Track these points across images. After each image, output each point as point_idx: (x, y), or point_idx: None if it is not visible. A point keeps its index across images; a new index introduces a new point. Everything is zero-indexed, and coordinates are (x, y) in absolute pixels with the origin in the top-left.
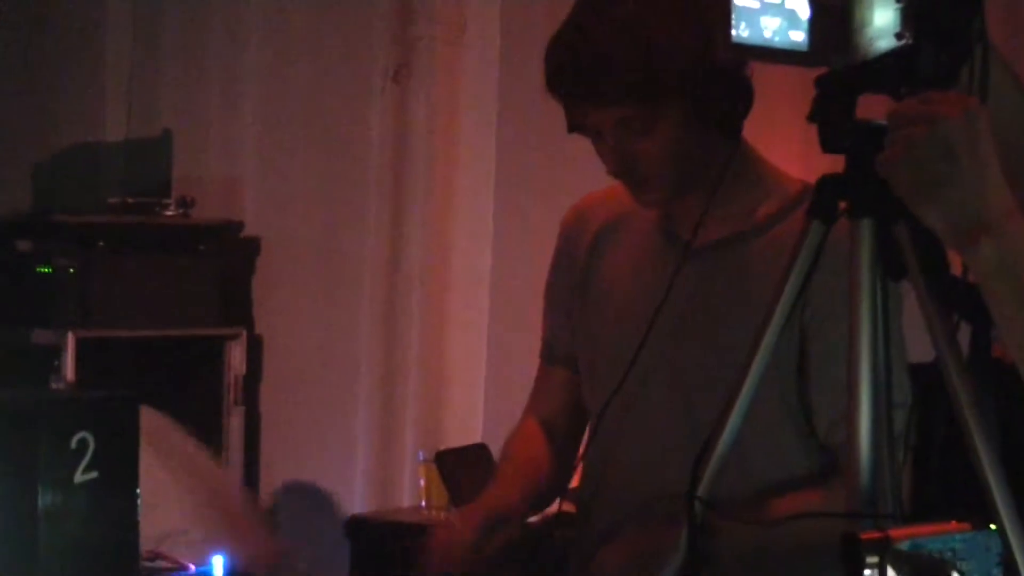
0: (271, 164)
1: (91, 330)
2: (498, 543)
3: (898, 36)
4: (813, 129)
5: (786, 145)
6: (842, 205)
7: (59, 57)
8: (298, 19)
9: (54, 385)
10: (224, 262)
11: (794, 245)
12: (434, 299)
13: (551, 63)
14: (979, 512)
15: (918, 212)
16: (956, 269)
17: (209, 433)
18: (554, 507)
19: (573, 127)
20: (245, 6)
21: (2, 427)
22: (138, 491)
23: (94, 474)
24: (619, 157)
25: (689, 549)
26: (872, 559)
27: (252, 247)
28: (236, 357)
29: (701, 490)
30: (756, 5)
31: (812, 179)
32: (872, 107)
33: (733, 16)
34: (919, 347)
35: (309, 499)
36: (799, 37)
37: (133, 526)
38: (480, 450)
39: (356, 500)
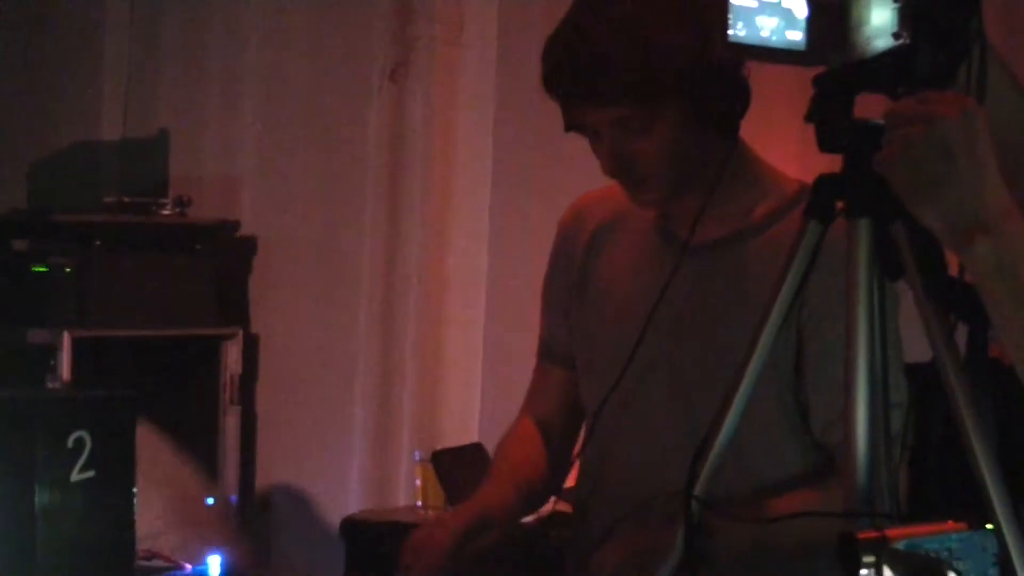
0: (268, 164)
1: (87, 329)
2: (481, 546)
3: (895, 36)
4: (810, 129)
5: (783, 145)
6: (839, 205)
7: (57, 57)
8: (296, 19)
9: (50, 384)
10: (221, 262)
11: (791, 245)
12: (431, 299)
13: (548, 62)
14: (976, 512)
15: (915, 212)
16: (953, 269)
17: (205, 432)
18: (549, 507)
19: (570, 126)
20: (244, 6)
21: None
22: (135, 490)
23: (91, 473)
24: (616, 157)
25: (686, 548)
26: (869, 558)
27: (249, 247)
28: (232, 356)
29: (698, 489)
30: (753, 4)
31: (809, 179)
32: (870, 107)
33: (730, 15)
34: (916, 347)
35: (305, 499)
36: (796, 36)
37: (129, 525)
38: (476, 450)
39: (352, 500)
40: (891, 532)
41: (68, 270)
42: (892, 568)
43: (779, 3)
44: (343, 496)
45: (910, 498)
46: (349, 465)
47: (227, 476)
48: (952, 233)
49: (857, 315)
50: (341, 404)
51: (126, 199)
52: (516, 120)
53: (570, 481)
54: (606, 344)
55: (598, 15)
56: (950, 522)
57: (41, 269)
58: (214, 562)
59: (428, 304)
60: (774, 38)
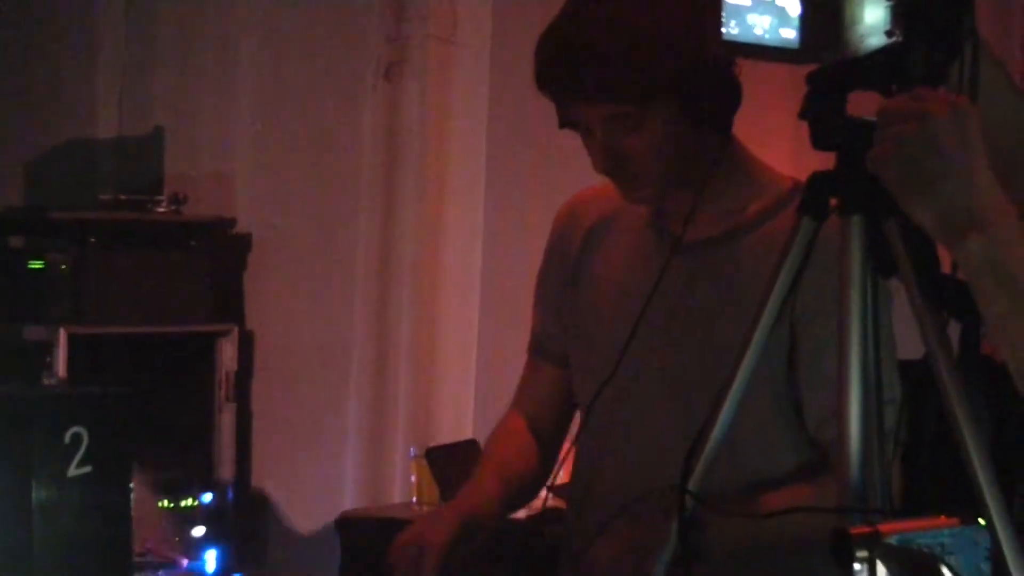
0: (263, 161)
1: (83, 326)
2: (472, 547)
3: (888, 33)
4: (804, 127)
5: (778, 142)
6: (833, 202)
7: (53, 55)
8: (291, 17)
9: (46, 381)
10: (216, 259)
11: (785, 241)
12: (425, 296)
13: (541, 59)
14: (968, 507)
15: (908, 208)
16: (946, 266)
17: (200, 429)
18: (541, 502)
19: (564, 123)
20: (238, 4)
21: None
22: (131, 485)
23: (87, 469)
24: (609, 154)
25: (680, 543)
26: (862, 553)
27: (244, 244)
28: (228, 353)
29: (692, 484)
30: (747, 2)
31: (804, 176)
32: (863, 105)
33: (724, 13)
34: (909, 344)
35: (301, 495)
36: (790, 34)
37: (126, 520)
38: (471, 446)
39: (347, 496)
40: (884, 527)
41: (64, 267)
42: (885, 563)
43: (772, 1)
44: (338, 492)
45: (903, 494)
46: (344, 461)
47: (223, 472)
48: (944, 230)
49: (850, 312)
50: (336, 401)
51: (122, 196)
52: (510, 118)
53: (563, 477)
54: (600, 340)
55: (591, 12)
56: (942, 517)
57: (37, 266)
58: (210, 557)
59: (423, 301)
60: (767, 36)
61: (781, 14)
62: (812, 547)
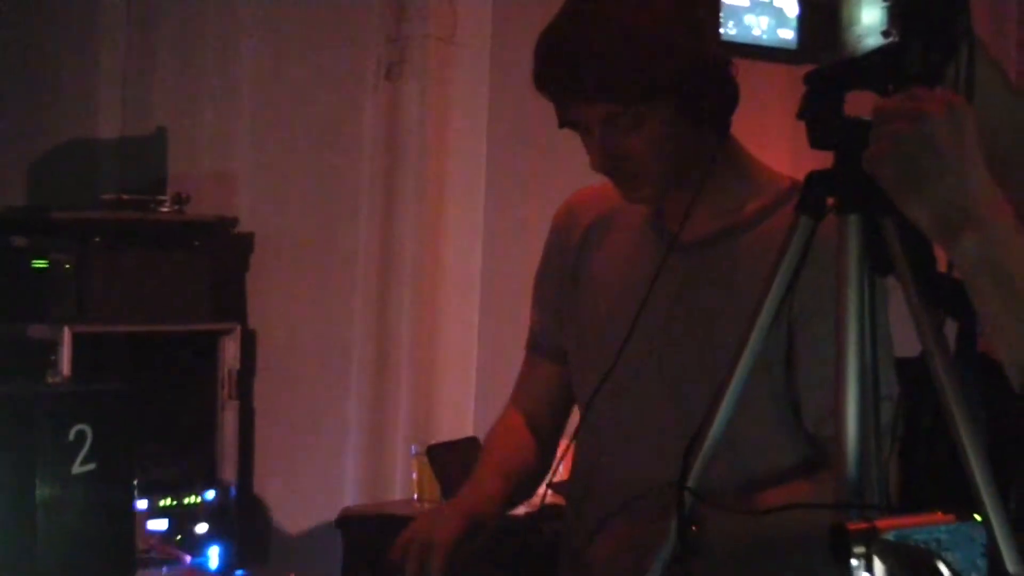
0: (265, 161)
1: (87, 325)
2: (475, 545)
3: (885, 34)
4: (802, 127)
5: (776, 142)
6: (830, 201)
7: (55, 55)
8: (292, 17)
9: (50, 380)
10: (218, 258)
11: (783, 240)
12: (426, 294)
13: (540, 59)
14: (964, 503)
15: (904, 207)
16: (942, 265)
17: (203, 427)
18: (539, 499)
19: (563, 123)
20: (240, 4)
21: (1, 420)
22: (135, 483)
23: (92, 466)
24: (608, 153)
25: (679, 540)
26: (859, 549)
27: (246, 243)
28: (230, 352)
29: (691, 481)
30: (745, 3)
31: (801, 176)
32: (861, 105)
33: (722, 14)
34: (906, 342)
35: (302, 492)
36: (788, 35)
37: (130, 517)
38: (471, 443)
39: (348, 493)
40: (881, 524)
41: (68, 266)
42: (882, 559)
43: (770, 2)
44: (340, 490)
45: (900, 490)
46: (346, 459)
47: (225, 470)
48: (940, 228)
49: (847, 310)
50: (338, 398)
51: (124, 196)
52: (510, 117)
53: (562, 474)
54: (598, 338)
55: (590, 12)
56: (939, 514)
57: (41, 265)
58: (213, 554)
59: (423, 299)
60: (765, 36)
61: (779, 15)
62: (810, 543)
